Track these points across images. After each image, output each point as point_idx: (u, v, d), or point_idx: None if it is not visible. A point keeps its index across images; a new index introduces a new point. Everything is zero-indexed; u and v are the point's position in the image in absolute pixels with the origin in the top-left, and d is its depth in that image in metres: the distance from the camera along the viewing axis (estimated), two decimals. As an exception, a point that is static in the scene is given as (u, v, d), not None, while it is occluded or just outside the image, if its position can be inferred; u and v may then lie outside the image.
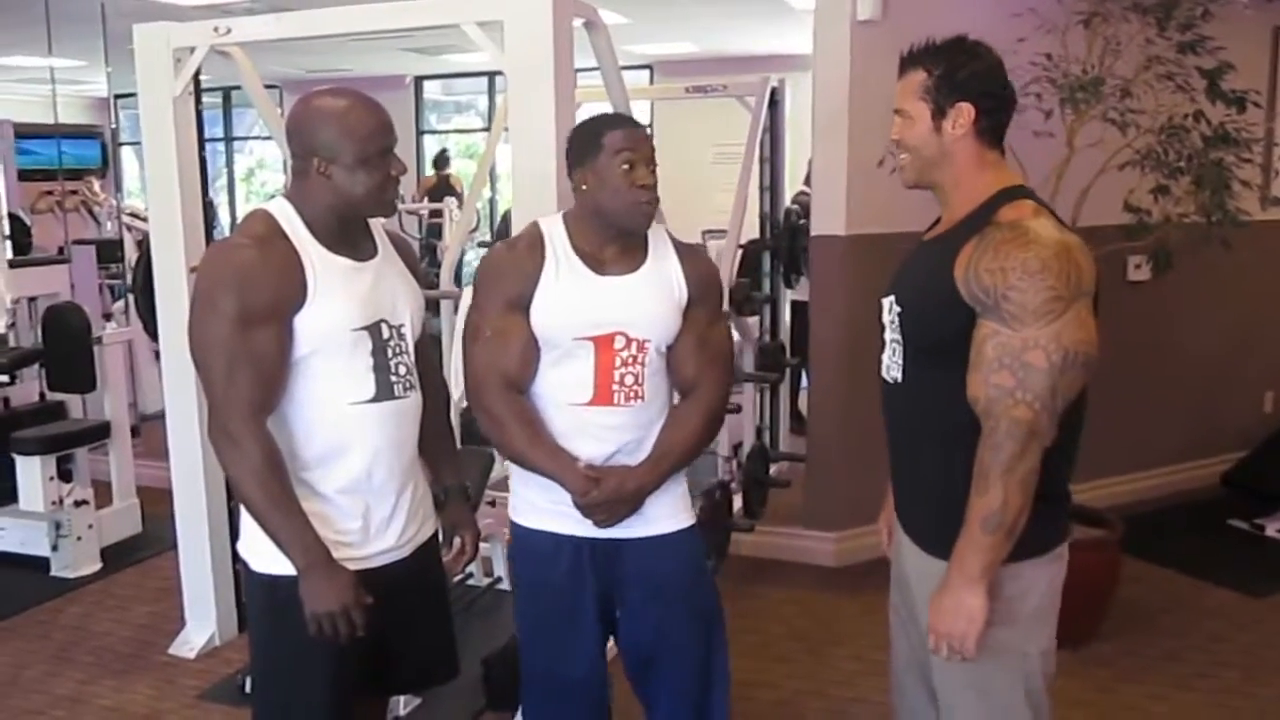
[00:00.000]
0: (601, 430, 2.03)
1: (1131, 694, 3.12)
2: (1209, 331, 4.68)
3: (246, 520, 1.87)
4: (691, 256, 2.13)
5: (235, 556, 2.00)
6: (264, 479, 1.77)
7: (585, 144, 2.01)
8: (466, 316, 2.14)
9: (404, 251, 2.03)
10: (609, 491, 2.00)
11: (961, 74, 1.70)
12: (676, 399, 2.14)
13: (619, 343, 2.01)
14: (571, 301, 2.01)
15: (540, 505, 2.09)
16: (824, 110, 3.86)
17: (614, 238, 2.04)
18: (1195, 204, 3.26)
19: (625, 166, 1.96)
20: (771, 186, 5.03)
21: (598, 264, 2.04)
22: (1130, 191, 3.37)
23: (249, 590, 1.97)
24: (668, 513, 2.11)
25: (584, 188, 2.01)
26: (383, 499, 1.92)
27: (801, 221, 4.82)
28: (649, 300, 2.04)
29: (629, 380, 2.02)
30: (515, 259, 2.06)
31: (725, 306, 4.20)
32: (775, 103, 4.83)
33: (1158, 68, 3.17)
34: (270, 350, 1.78)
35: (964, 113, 1.70)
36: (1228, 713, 3.04)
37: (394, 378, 1.90)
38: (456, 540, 2.13)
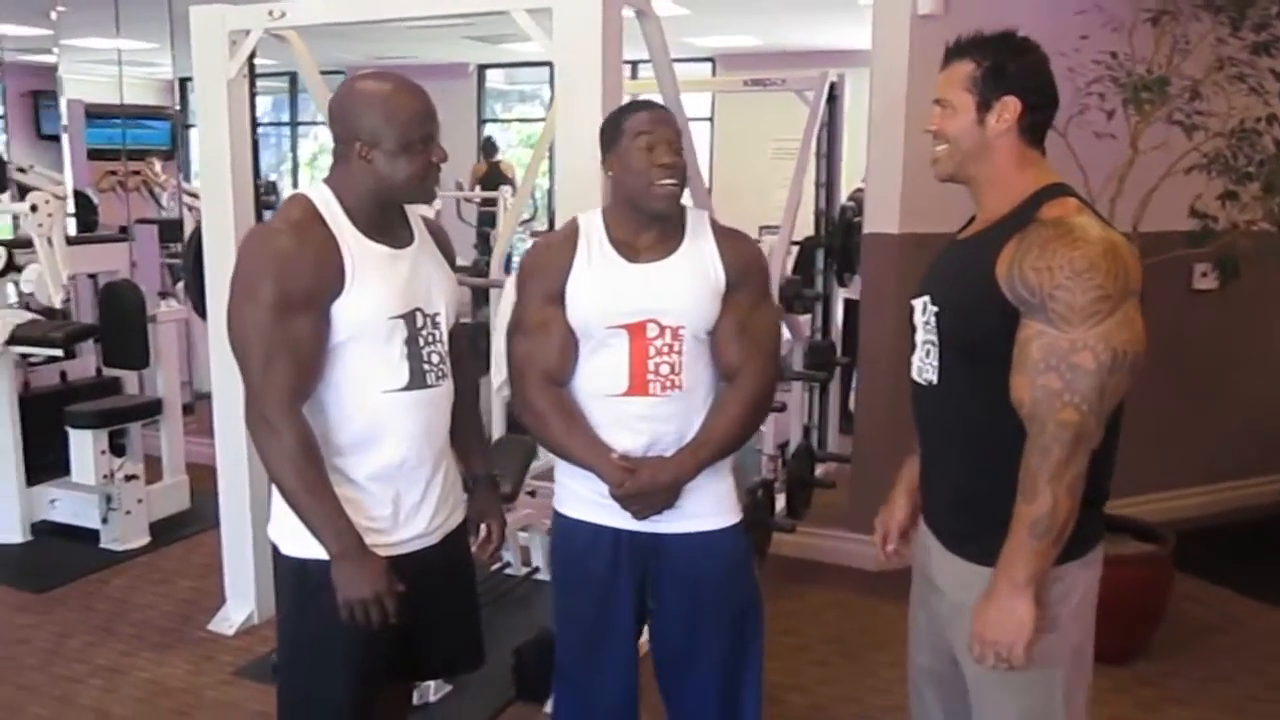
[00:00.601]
0: (639, 421, 2.01)
1: (1178, 716, 3.02)
2: (1276, 343, 4.52)
3: (277, 503, 1.88)
4: (731, 239, 2.09)
5: (273, 540, 2.00)
6: (300, 466, 1.77)
7: (611, 131, 2.03)
8: (512, 311, 2.14)
9: (439, 239, 2.02)
10: (643, 482, 1.99)
11: (1011, 67, 1.66)
12: None
13: (652, 330, 1.99)
14: (602, 290, 2.01)
15: (583, 496, 2.08)
16: (881, 105, 3.79)
17: (647, 224, 2.02)
18: (1264, 211, 3.14)
19: (645, 148, 1.96)
20: (827, 183, 4.97)
21: (632, 252, 2.03)
22: (1197, 197, 3.26)
23: (278, 573, 1.98)
24: (710, 509, 2.08)
25: (611, 174, 2.03)
26: (413, 486, 1.92)
27: (857, 219, 4.75)
28: (682, 286, 2.01)
29: (665, 369, 2.00)
30: (551, 252, 2.08)
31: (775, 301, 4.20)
32: (834, 98, 4.77)
33: (1229, 69, 3.06)
34: (307, 337, 1.78)
35: (1010, 107, 1.65)
36: (1280, 739, 2.95)
37: (427, 366, 1.89)
38: (483, 529, 2.12)
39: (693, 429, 2.03)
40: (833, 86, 4.71)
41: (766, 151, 7.93)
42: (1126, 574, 2.88)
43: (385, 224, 1.88)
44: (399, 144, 1.80)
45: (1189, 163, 3.14)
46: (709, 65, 9.56)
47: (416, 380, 1.88)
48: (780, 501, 4.13)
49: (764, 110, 7.23)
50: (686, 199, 2.11)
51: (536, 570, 3.78)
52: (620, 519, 2.05)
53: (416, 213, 1.99)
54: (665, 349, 2.00)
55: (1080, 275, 1.53)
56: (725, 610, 2.12)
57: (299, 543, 1.85)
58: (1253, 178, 3.12)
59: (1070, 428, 1.53)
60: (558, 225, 2.23)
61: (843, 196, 5.17)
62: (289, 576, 1.93)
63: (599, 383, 2.03)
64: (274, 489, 1.85)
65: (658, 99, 2.91)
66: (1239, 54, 3.06)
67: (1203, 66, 3.10)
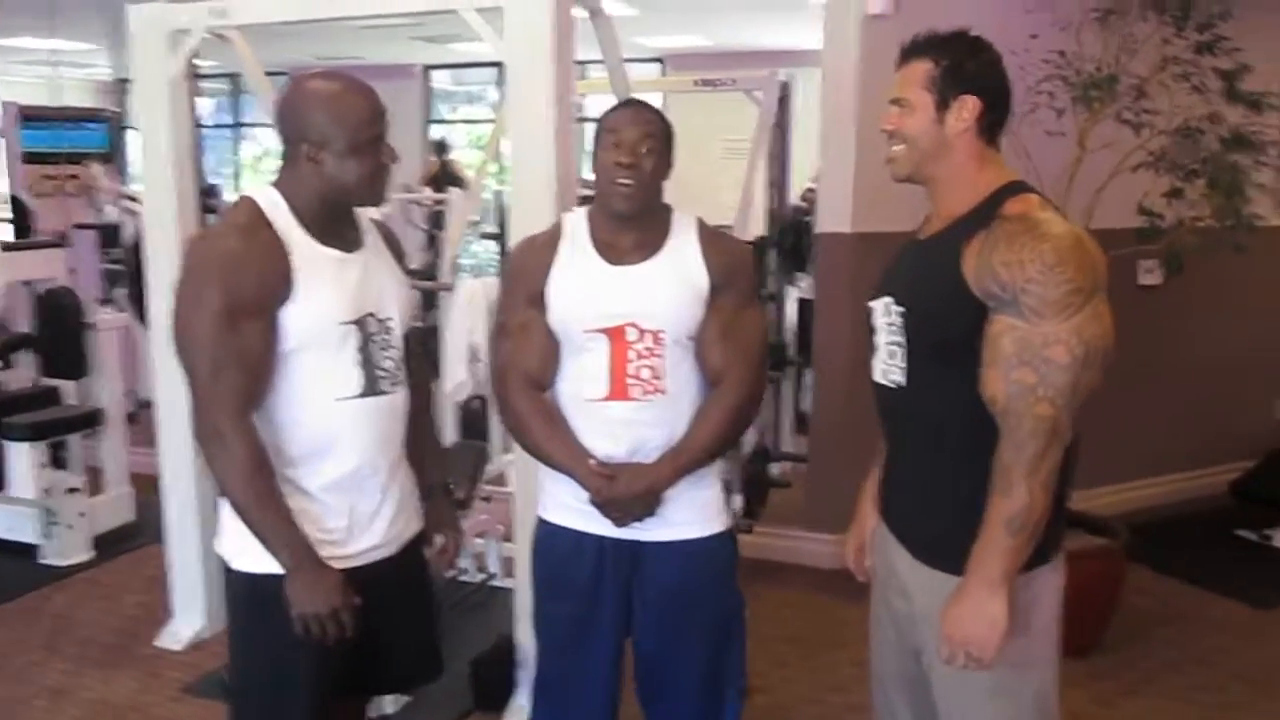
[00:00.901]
0: (620, 426, 1.97)
1: (1133, 707, 3.06)
2: (1220, 337, 4.60)
3: (226, 517, 1.83)
4: (715, 241, 2.05)
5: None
6: (250, 478, 1.72)
7: (596, 128, 2.00)
8: (496, 312, 2.12)
9: (390, 242, 1.98)
10: (619, 490, 1.95)
11: (969, 66, 1.66)
12: None
13: (631, 334, 1.95)
14: (580, 292, 1.97)
15: (566, 502, 2.04)
16: (832, 105, 3.80)
17: (624, 224, 1.98)
18: (1209, 208, 3.19)
19: (612, 145, 1.94)
20: (779, 182, 4.98)
21: (614, 253, 1.99)
22: (1144, 194, 3.30)
23: (228, 589, 1.92)
24: (693, 517, 2.04)
25: (592, 174, 2.00)
26: (368, 496, 1.87)
27: (808, 219, 4.76)
28: (662, 289, 1.97)
29: (646, 373, 1.96)
30: (533, 253, 2.05)
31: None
32: (784, 98, 4.77)
33: (1174, 68, 3.11)
34: (256, 345, 1.73)
35: (969, 106, 1.65)
36: (1232, 728, 2.98)
37: (380, 372, 1.85)
38: (438, 539, 2.08)
39: (680, 435, 1.99)
40: (783, 86, 4.72)
41: (716, 151, 7.94)
42: (1081, 568, 2.88)
43: (335, 227, 1.83)
44: (348, 145, 1.75)
45: (1136, 160, 3.18)
46: (658, 66, 9.57)
47: (370, 387, 1.83)
48: (737, 502, 4.11)
49: (713, 110, 7.23)
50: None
51: (493, 577, 3.74)
52: (604, 526, 2.01)
53: (366, 215, 1.95)
54: (646, 353, 1.96)
55: (1052, 269, 1.52)
56: (707, 619, 2.08)
57: (249, 558, 1.80)
58: (1198, 175, 3.17)
59: (1046, 422, 1.53)
60: (509, 227, 2.19)
61: (794, 196, 5.18)
62: (240, 592, 1.88)
63: (580, 387, 1.99)
64: (223, 502, 1.80)
65: (611, 101, 2.89)
66: (1183, 53, 3.11)
67: (1149, 65, 3.15)
